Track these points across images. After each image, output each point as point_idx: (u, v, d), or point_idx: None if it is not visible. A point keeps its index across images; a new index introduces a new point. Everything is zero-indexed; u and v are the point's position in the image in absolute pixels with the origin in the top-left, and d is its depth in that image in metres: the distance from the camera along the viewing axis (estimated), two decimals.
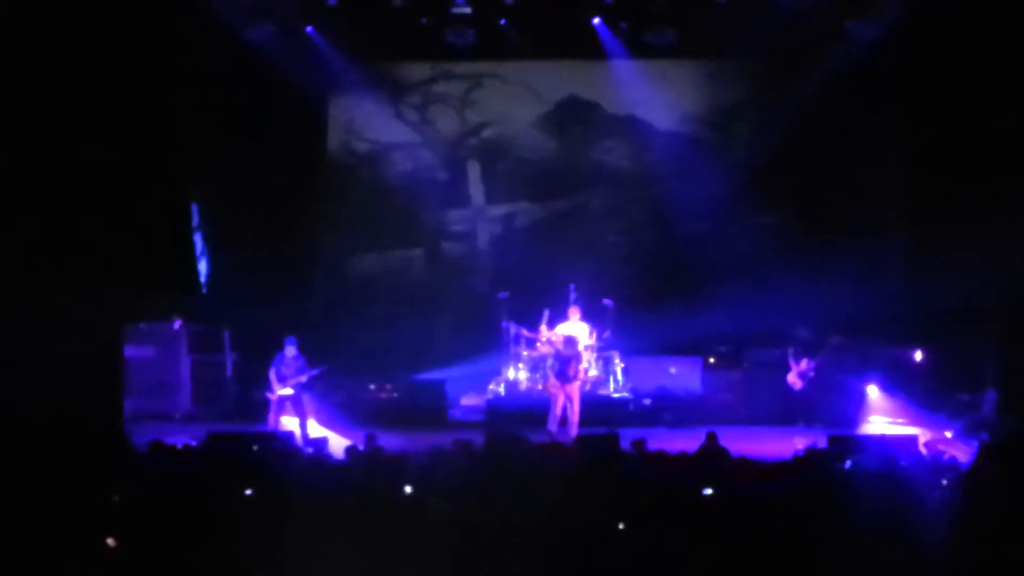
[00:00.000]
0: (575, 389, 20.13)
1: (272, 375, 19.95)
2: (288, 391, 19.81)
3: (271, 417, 19.91)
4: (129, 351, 20.52)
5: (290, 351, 19.98)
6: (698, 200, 25.76)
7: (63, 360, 16.92)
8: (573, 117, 26.40)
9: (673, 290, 25.16)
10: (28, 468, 11.76)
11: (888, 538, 11.02)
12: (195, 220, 23.07)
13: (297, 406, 19.91)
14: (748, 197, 25.44)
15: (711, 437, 14.94)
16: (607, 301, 22.99)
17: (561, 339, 21.13)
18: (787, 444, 17.59)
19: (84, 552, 10.71)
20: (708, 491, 11.71)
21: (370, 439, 15.27)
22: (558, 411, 19.96)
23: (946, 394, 21.23)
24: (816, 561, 10.76)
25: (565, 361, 20.24)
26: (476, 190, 26.65)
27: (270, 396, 19.97)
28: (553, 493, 11.67)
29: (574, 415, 19.95)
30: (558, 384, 20.05)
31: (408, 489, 12.12)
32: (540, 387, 21.86)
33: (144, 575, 10.93)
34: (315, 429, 20.00)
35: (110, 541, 10.85)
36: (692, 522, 11.25)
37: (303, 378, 19.87)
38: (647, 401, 22.51)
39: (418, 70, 26.37)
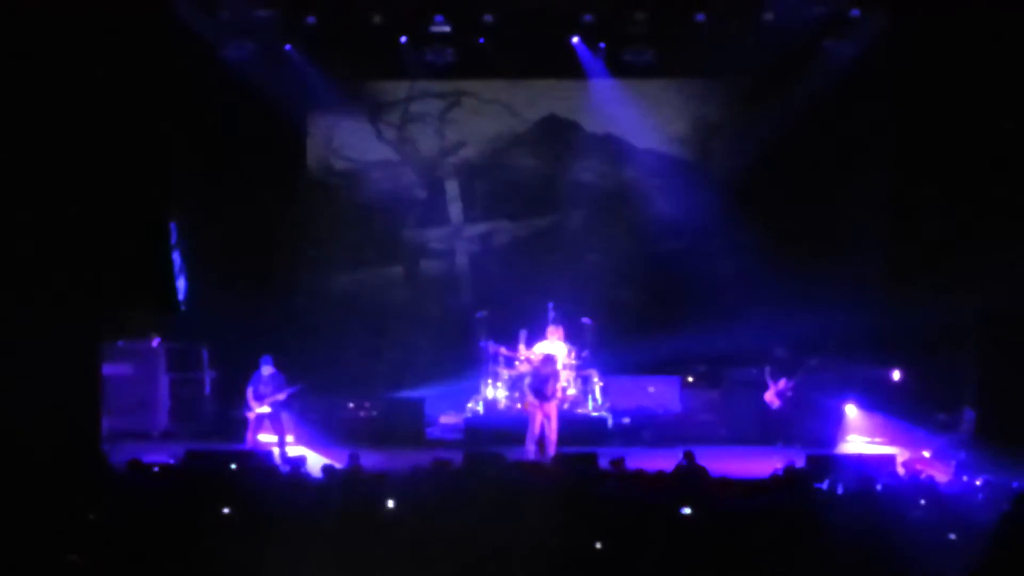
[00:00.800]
0: (552, 407, 20.10)
1: (249, 393, 19.91)
2: (265, 409, 19.77)
3: (248, 435, 19.86)
4: (107, 369, 20.46)
5: (266, 370, 19.94)
6: (677, 219, 25.82)
7: (40, 378, 16.91)
8: (552, 136, 26.39)
9: (652, 309, 25.21)
10: (3, 486, 11.73)
11: (866, 557, 11.06)
12: (173, 238, 23.01)
13: (275, 424, 19.86)
14: (727, 216, 25.44)
15: (688, 456, 14.95)
16: (586, 320, 23.00)
17: (539, 357, 21.14)
18: (765, 463, 17.61)
19: (60, 571, 10.68)
20: (686, 510, 11.72)
21: (353, 459, 15.23)
22: (536, 430, 19.93)
23: (924, 413, 21.27)
24: None
25: (542, 379, 20.23)
26: (455, 208, 26.63)
27: (247, 415, 19.93)
28: (531, 512, 11.68)
29: (552, 434, 19.92)
30: (536, 402, 20.03)
31: (387, 507, 12.13)
32: (519, 405, 21.84)
33: None
34: (293, 447, 19.97)
35: (73, 558, 10.82)
36: (670, 541, 11.26)
37: (281, 396, 19.83)
38: (626, 420, 22.53)
39: (397, 89, 26.34)
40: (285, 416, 20.08)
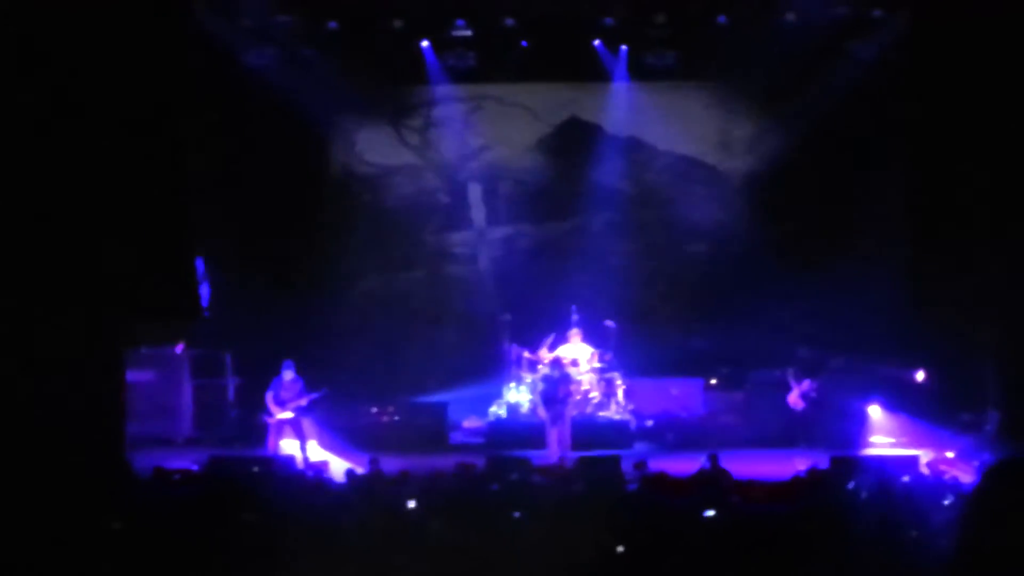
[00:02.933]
0: (566, 411, 20.22)
1: (269, 399, 19.90)
2: (288, 415, 19.76)
3: (270, 441, 19.88)
4: (131, 375, 20.51)
5: (288, 375, 19.94)
6: (700, 221, 25.87)
7: (64, 385, 16.94)
8: (574, 139, 26.40)
9: (675, 311, 25.25)
10: (28, 494, 11.74)
11: (891, 559, 11.01)
12: (196, 244, 23.07)
13: (297, 429, 19.86)
14: (750, 218, 25.48)
15: (712, 459, 14.95)
16: (609, 322, 22.99)
17: (550, 361, 21.31)
18: (789, 465, 17.56)
19: None
20: (710, 513, 11.69)
21: (373, 463, 15.27)
22: (554, 435, 20.00)
23: (948, 414, 21.21)
24: None
25: (554, 383, 20.33)
26: (477, 212, 26.66)
27: (268, 420, 19.93)
28: (554, 515, 11.67)
29: (566, 436, 20.00)
30: (546, 415, 20.21)
31: (409, 512, 12.13)
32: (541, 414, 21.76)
33: None
34: (316, 452, 19.99)
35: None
36: (693, 544, 11.23)
37: (303, 401, 19.82)
38: (649, 422, 22.53)
39: (419, 93, 26.34)
40: (307, 421, 20.07)
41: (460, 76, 25.10)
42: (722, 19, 23.37)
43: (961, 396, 21.39)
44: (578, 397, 21.62)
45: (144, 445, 20.47)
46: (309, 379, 20.10)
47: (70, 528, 11.26)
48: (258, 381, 21.43)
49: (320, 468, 17.72)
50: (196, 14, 20.90)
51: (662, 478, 14.16)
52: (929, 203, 19.95)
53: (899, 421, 21.37)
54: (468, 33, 24.07)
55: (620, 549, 11.10)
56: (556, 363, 21.07)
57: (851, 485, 13.35)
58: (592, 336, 22.80)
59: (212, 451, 19.01)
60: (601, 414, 22.36)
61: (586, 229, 26.43)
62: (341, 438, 20.81)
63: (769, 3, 23.17)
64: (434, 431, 22.16)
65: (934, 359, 22.33)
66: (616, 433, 21.78)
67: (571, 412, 20.64)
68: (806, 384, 21.60)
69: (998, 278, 18.50)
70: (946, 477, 14.73)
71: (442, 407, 22.69)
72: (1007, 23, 18.76)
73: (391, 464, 15.98)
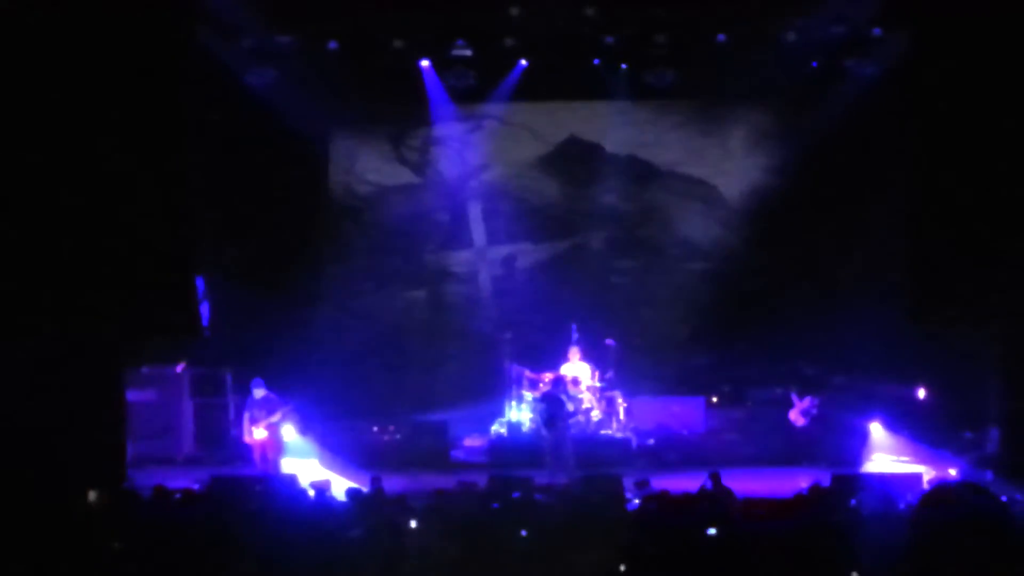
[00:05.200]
0: (567, 430, 20.19)
1: (245, 419, 19.85)
2: (263, 433, 19.66)
3: (256, 460, 19.81)
4: (132, 395, 20.54)
5: (258, 392, 19.82)
6: (700, 239, 25.86)
7: (66, 405, 16.95)
8: (573, 158, 26.37)
9: (675, 329, 25.17)
10: (29, 513, 11.73)
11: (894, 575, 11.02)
12: (197, 263, 23.09)
13: (274, 447, 19.74)
14: (750, 236, 25.48)
15: (714, 477, 14.92)
16: (609, 341, 22.97)
17: (550, 380, 21.34)
18: (791, 483, 17.55)
19: None
20: (712, 531, 11.69)
21: (375, 481, 15.25)
22: (555, 454, 19.97)
23: (950, 431, 21.18)
24: None
25: (555, 402, 20.30)
26: (477, 231, 26.62)
27: (247, 440, 19.87)
28: (556, 534, 11.67)
29: (568, 455, 19.96)
30: (547, 434, 20.18)
31: (412, 531, 12.13)
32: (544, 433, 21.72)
33: None
34: (318, 471, 19.94)
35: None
36: (696, 562, 11.23)
37: (275, 418, 19.70)
38: (650, 441, 22.48)
39: (419, 112, 26.30)
40: (280, 435, 19.93)
41: (460, 95, 25.08)
42: (722, 38, 23.30)
43: (963, 414, 21.37)
44: (580, 417, 21.61)
45: (145, 464, 20.51)
46: (311, 398, 20.08)
47: (71, 548, 11.25)
48: None
49: (322, 487, 17.68)
50: (198, 35, 20.95)
51: (664, 496, 14.15)
52: (929, 220, 19.96)
53: (901, 439, 21.35)
54: (468, 52, 24.02)
55: (623, 568, 11.10)
56: (557, 382, 21.08)
57: (853, 502, 13.37)
58: (592, 354, 22.78)
59: (212, 470, 19.02)
60: (602, 433, 22.32)
61: (586, 247, 26.41)
62: (343, 457, 20.79)
63: (769, 22, 23.14)
64: (436, 449, 22.11)
65: (935, 377, 22.30)
66: (617, 452, 21.74)
67: (572, 431, 20.62)
68: (807, 401, 21.59)
69: (998, 295, 18.51)
70: None
71: (443, 425, 22.64)
72: (1007, 42, 18.78)
73: (393, 483, 15.96)
